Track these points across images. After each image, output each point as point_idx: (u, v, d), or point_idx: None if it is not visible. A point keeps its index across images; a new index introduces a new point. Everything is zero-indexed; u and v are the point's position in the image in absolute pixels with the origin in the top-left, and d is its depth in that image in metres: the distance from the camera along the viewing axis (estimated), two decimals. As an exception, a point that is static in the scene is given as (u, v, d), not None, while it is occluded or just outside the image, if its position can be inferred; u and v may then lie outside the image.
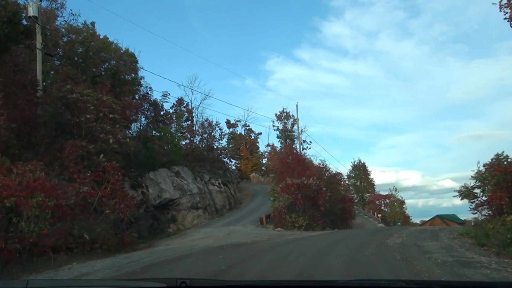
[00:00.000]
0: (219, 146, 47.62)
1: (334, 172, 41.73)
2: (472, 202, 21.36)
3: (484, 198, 21.99)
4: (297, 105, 55.65)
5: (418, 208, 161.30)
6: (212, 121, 47.13)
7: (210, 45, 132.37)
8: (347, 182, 63.72)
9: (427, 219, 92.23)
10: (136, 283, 3.77)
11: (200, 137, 45.76)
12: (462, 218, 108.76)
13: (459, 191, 21.57)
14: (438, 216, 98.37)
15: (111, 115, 26.85)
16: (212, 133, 46.15)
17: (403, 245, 13.32)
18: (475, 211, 24.06)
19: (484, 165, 22.06)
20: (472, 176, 21.26)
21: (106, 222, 21.35)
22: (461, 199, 21.43)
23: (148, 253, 16.44)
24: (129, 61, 39.04)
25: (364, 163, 75.23)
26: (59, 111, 26.15)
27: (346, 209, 38.72)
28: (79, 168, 22.55)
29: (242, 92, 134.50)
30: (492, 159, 61.19)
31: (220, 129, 47.89)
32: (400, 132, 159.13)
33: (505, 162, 21.74)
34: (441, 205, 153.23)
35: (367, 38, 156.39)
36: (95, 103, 26.02)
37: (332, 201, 35.81)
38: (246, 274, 9.09)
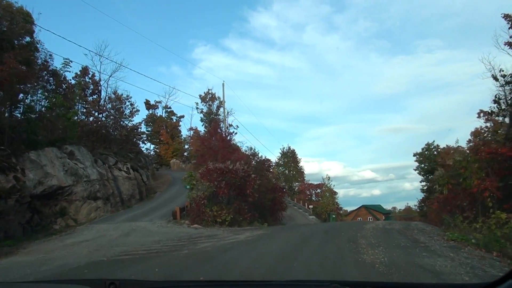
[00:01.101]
0: (130, 125, 40.28)
1: (263, 158, 36.33)
2: (446, 194, 16.58)
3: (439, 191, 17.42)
4: (223, 84, 49.52)
5: (339, 198, 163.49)
6: (122, 95, 39.68)
7: (137, 29, 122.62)
8: (276, 170, 58.97)
9: (349, 208, 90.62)
10: (60, 286, 3.43)
11: (106, 113, 38.21)
12: (385, 207, 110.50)
13: (436, 181, 16.76)
14: (364, 206, 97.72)
15: (-34, 73, 19.54)
16: (122, 109, 38.81)
17: (401, 268, 7.96)
18: (434, 205, 19.71)
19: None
20: (454, 159, 16.50)
21: None
22: (437, 189, 16.64)
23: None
24: (23, 21, 31.05)
25: (294, 150, 70.89)
26: None
27: (277, 199, 33.49)
28: None
29: (168, 79, 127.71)
30: (422, 148, 57.53)
31: (131, 104, 40.53)
32: (324, 124, 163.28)
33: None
34: (361, 195, 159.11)
35: (294, 30, 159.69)
36: None
37: (261, 190, 30.45)
38: None
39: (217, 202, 25.56)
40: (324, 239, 13.67)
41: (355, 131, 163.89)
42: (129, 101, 40.16)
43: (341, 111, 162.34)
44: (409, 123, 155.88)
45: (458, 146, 66.19)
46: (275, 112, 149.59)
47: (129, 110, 40.04)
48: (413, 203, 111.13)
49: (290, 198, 58.20)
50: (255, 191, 27.69)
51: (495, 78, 24.26)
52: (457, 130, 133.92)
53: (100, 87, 40.50)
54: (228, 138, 34.03)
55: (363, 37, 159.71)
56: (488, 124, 48.97)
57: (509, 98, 23.00)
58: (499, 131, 46.86)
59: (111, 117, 38.01)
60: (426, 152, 67.98)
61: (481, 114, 50.89)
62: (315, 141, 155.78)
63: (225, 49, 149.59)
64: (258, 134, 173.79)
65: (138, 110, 41.89)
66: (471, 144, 52.98)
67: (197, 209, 23.70)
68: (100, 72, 40.04)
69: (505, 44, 22.55)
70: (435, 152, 67.28)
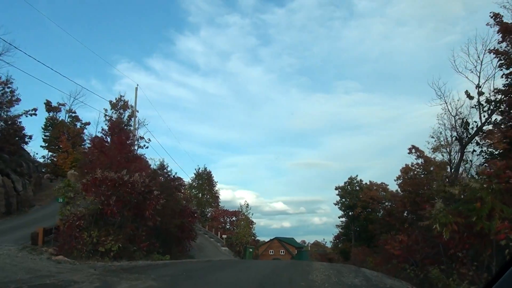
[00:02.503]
0: (9, 115, 31.66)
1: (173, 175, 29.59)
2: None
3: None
4: (136, 89, 42.83)
5: (254, 228, 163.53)
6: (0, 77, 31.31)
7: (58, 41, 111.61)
8: (188, 191, 52.40)
9: (259, 238, 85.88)
10: None
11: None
12: (298, 241, 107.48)
13: (435, 218, 11.54)
14: (276, 238, 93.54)
15: None
16: (-2, 94, 30.42)
17: None
18: (395, 250, 14.84)
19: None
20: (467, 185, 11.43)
21: None
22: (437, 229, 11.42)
23: None
24: None
25: (210, 172, 64.67)
26: None
27: (186, 226, 27.14)
28: None
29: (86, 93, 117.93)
30: (345, 182, 53.94)
31: (11, 92, 32.10)
32: (241, 153, 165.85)
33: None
34: (272, 226, 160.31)
35: (219, 58, 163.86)
36: None
37: (166, 213, 24.20)
38: None
39: (105, 224, 18.96)
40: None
41: (270, 163, 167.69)
42: (9, 88, 31.87)
43: (258, 141, 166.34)
44: (321, 159, 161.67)
45: (382, 182, 64.67)
46: (193, 136, 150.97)
47: (7, 97, 31.59)
48: (329, 239, 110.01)
49: (202, 224, 51.89)
50: (158, 213, 21.42)
51: (469, 97, 20.40)
52: (367, 170, 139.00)
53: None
54: (129, 142, 26.98)
55: (286, 72, 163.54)
56: (419, 161, 46.84)
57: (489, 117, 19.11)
58: (431, 168, 44.68)
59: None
60: (348, 187, 65.09)
61: (413, 150, 48.84)
62: (231, 168, 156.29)
63: (148, 68, 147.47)
64: (174, 157, 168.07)
65: (19, 99, 33.26)
66: (399, 181, 50.82)
67: (69, 232, 16.80)
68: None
69: (489, 52, 18.78)
70: (357, 187, 64.67)
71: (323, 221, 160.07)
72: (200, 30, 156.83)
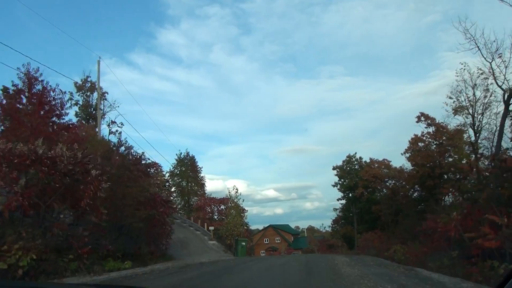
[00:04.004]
0: None
1: (140, 155, 22.84)
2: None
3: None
4: (98, 62, 36.15)
5: (246, 217, 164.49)
6: None
7: (36, 38, 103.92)
8: (167, 179, 45.73)
9: (252, 227, 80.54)
10: None
11: None
12: (292, 227, 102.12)
13: None
14: (271, 226, 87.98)
15: None
16: None
17: None
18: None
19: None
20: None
21: None
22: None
23: None
24: None
25: (193, 157, 57.88)
26: None
27: (156, 219, 20.39)
28: None
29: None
30: (343, 161, 47.09)
31: None
32: (228, 143, 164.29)
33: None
34: (264, 213, 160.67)
35: (201, 49, 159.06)
36: None
37: (127, 204, 17.77)
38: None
39: (26, 224, 12.49)
40: None
41: (259, 151, 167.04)
42: None
43: (246, 130, 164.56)
44: (310, 145, 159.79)
45: (384, 159, 58.39)
46: (180, 129, 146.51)
47: None
48: (325, 223, 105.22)
49: (187, 216, 45.43)
50: (110, 203, 14.94)
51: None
52: (357, 153, 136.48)
53: None
54: (57, 102, 19.01)
55: (269, 60, 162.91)
56: (430, 130, 40.73)
57: None
58: (444, 137, 38.65)
59: None
60: (347, 166, 58.71)
61: (422, 118, 42.64)
62: (220, 159, 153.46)
63: (130, 63, 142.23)
64: (161, 151, 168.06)
65: None
66: (408, 154, 44.60)
67: None
68: None
69: None
70: (357, 166, 58.39)
71: (315, 206, 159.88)
72: (181, 23, 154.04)
